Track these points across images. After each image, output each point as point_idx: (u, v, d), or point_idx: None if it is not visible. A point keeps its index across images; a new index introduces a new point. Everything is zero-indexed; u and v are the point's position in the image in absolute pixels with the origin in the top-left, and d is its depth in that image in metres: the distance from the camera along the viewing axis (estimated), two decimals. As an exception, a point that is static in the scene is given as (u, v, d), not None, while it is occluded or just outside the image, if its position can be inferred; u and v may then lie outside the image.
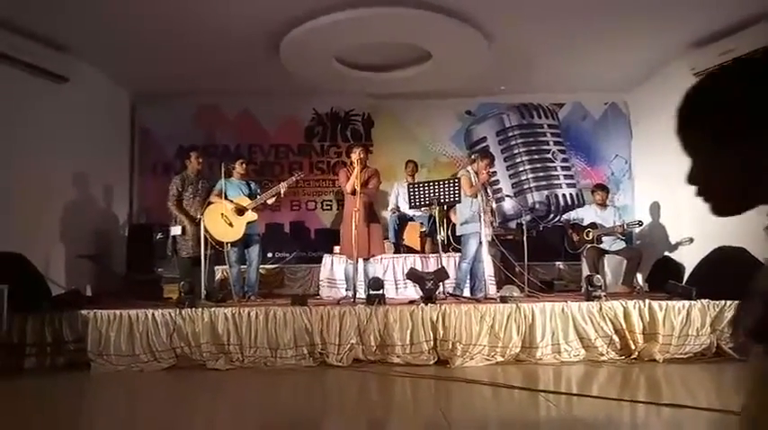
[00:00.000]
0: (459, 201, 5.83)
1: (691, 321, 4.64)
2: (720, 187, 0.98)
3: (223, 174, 5.71)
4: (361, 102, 8.27)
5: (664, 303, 4.71)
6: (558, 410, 3.41)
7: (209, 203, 5.71)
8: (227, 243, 5.63)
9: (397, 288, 6.43)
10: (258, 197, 5.73)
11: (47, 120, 6.11)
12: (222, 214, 5.62)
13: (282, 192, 5.69)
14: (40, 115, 6.05)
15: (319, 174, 8.38)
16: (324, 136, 8.47)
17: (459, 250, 6.72)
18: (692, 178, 0.99)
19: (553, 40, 6.46)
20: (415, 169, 7.43)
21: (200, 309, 4.70)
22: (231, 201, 5.70)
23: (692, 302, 4.69)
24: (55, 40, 6.05)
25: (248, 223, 5.66)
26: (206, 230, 5.53)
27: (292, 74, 7.09)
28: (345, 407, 3.69)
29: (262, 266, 7.23)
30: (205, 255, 5.65)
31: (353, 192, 5.43)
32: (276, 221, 8.22)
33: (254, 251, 5.87)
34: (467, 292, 5.84)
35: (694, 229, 6.55)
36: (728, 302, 4.68)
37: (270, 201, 5.75)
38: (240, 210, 5.67)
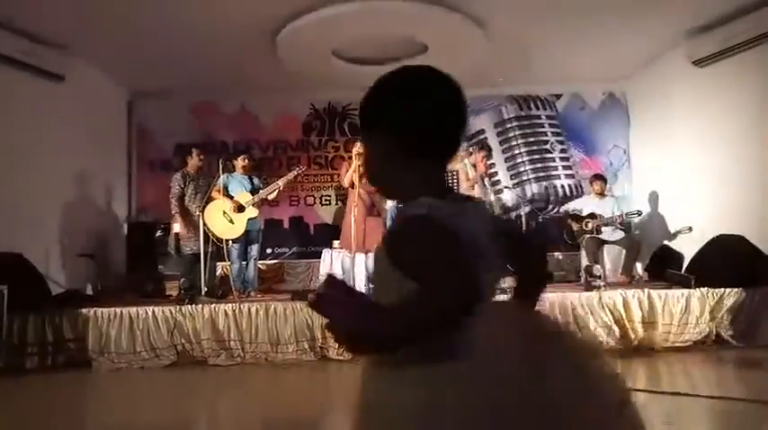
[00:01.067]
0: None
1: (690, 310, 4.66)
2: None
3: (220, 170, 5.68)
4: (358, 96, 8.06)
5: (663, 292, 4.73)
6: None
7: (210, 199, 5.71)
8: (227, 240, 5.64)
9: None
10: (263, 191, 5.74)
11: (43, 119, 6.10)
12: (224, 212, 5.62)
13: (282, 186, 5.72)
14: (37, 114, 6.03)
15: (317, 169, 8.37)
16: (322, 131, 8.45)
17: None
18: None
19: (550, 29, 6.42)
20: None
21: (200, 306, 4.71)
22: (231, 198, 5.69)
23: (691, 291, 4.71)
24: (50, 39, 6.02)
25: (249, 219, 5.66)
26: (206, 228, 5.54)
27: (289, 69, 7.07)
28: (347, 401, 3.69)
29: (261, 262, 7.25)
30: (206, 251, 5.68)
31: (352, 186, 5.44)
32: (275, 217, 8.22)
33: (254, 247, 5.88)
34: None
35: (693, 218, 6.54)
36: (728, 290, 4.70)
37: (271, 197, 5.75)
38: (240, 207, 5.67)
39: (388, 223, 7.21)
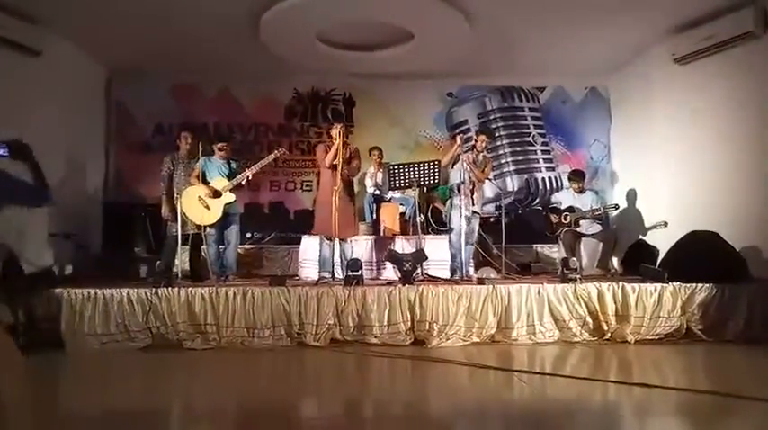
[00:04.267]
0: (440, 184, 5.83)
1: (662, 303, 4.74)
2: None
3: (200, 154, 5.62)
4: (342, 81, 8.18)
5: (636, 286, 4.81)
6: (531, 390, 3.48)
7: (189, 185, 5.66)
8: (204, 226, 5.59)
9: (380, 269, 6.44)
10: (235, 179, 5.65)
11: (19, 94, 5.94)
12: (199, 197, 5.55)
13: (261, 168, 5.67)
14: (12, 89, 5.87)
15: (299, 154, 8.31)
16: (304, 116, 8.39)
17: (439, 232, 6.77)
18: None
19: (535, 22, 6.43)
20: (381, 156, 7.39)
21: (176, 289, 4.67)
22: (208, 184, 5.61)
23: (664, 285, 4.78)
24: (26, 13, 5.87)
25: (226, 204, 5.60)
26: (183, 214, 5.50)
27: (272, 52, 6.98)
28: (323, 387, 3.71)
29: (240, 247, 7.19)
30: (186, 235, 5.65)
31: (333, 167, 5.39)
32: (256, 201, 8.17)
33: (232, 231, 5.80)
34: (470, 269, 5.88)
35: (670, 214, 6.65)
36: (699, 285, 4.79)
37: (250, 175, 5.67)
38: (217, 193, 5.60)
39: (367, 209, 7.24)
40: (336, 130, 5.42)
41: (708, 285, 4.79)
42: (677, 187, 6.75)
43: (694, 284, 4.80)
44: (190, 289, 4.71)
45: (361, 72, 7.75)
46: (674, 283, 4.82)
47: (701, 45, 6.21)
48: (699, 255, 5.03)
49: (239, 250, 6.45)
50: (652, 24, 6.48)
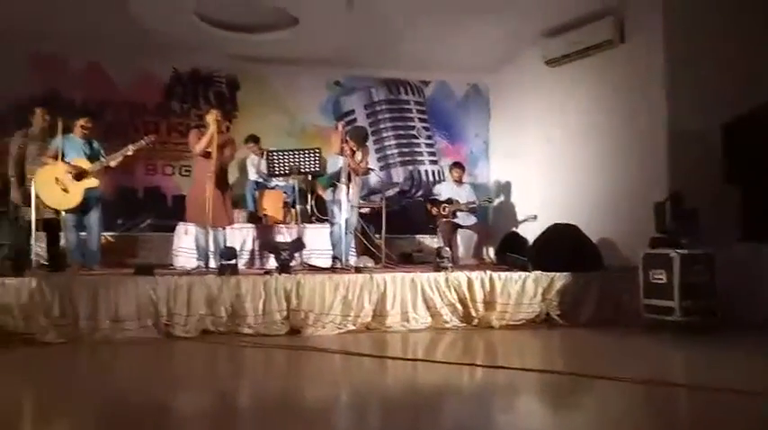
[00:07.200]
0: (321, 172, 5.80)
1: (525, 291, 5.06)
2: None
3: (60, 131, 5.13)
4: (226, 63, 7.87)
5: (503, 274, 5.10)
6: (404, 376, 3.58)
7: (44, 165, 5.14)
8: (61, 210, 5.13)
9: (261, 259, 6.31)
10: (101, 160, 5.24)
11: None
12: (57, 178, 5.06)
13: (130, 154, 5.29)
14: None
15: (178, 137, 7.88)
16: (184, 97, 7.97)
17: (322, 220, 6.74)
18: None
19: (419, 15, 6.56)
20: (258, 145, 7.23)
21: (27, 279, 4.27)
22: (69, 164, 5.13)
23: (527, 274, 5.11)
24: None
25: (87, 189, 5.16)
26: (36, 196, 4.97)
27: (142, 26, 6.53)
28: (193, 380, 3.57)
29: (110, 234, 6.72)
30: (44, 219, 5.17)
31: (206, 155, 5.18)
32: (129, 185, 7.66)
33: (93, 216, 5.34)
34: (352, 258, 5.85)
35: (540, 207, 7.10)
36: (558, 274, 5.16)
37: (113, 164, 5.28)
38: (78, 175, 5.12)
39: (248, 197, 7.06)
40: (212, 117, 5.22)
41: (566, 274, 5.18)
42: (546, 182, 7.22)
43: (554, 273, 5.16)
44: (44, 279, 4.33)
45: (245, 55, 7.50)
46: (536, 272, 5.16)
47: (569, 50, 6.66)
48: (559, 246, 5.42)
49: (108, 238, 6.03)
50: (525, 27, 6.86)
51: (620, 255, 5.96)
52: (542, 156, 7.31)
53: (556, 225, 5.72)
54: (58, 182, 5.05)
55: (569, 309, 5.12)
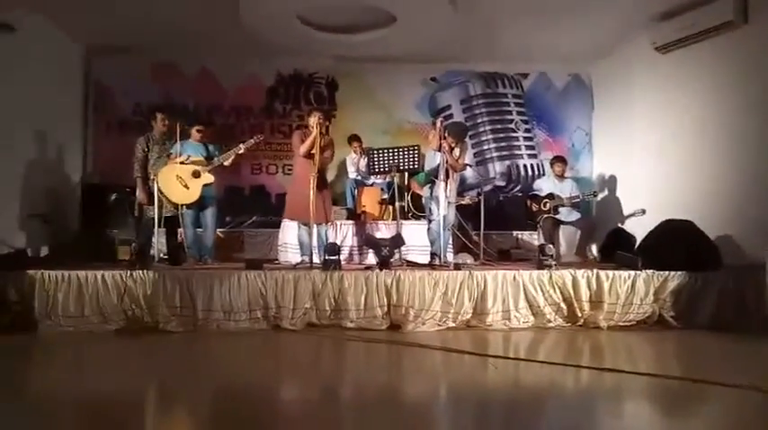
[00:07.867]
0: (419, 169, 5.82)
1: (635, 290, 4.79)
2: None
3: (178, 136, 5.56)
4: (325, 64, 8.11)
5: (611, 273, 4.85)
6: (505, 375, 3.51)
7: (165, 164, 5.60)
8: (181, 205, 5.55)
9: (360, 254, 6.45)
10: (215, 159, 5.62)
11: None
12: (178, 176, 5.50)
13: (241, 153, 5.63)
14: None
15: (281, 137, 8.25)
16: (286, 98, 8.31)
17: (418, 217, 6.76)
18: None
19: (519, 8, 6.41)
20: (361, 145, 7.37)
21: (151, 272, 4.63)
22: (188, 163, 5.55)
23: (638, 272, 4.84)
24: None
25: (204, 185, 5.56)
26: (160, 192, 5.44)
27: (251, 31, 6.88)
28: (298, 370, 3.72)
29: (220, 230, 7.14)
30: (164, 217, 5.59)
31: (309, 156, 5.35)
32: (236, 185, 8.11)
33: (209, 214, 5.78)
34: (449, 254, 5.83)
35: (648, 202, 6.71)
36: (671, 273, 4.84)
37: (227, 163, 5.65)
38: (196, 173, 5.55)
39: (347, 194, 7.23)
40: (315, 119, 5.37)
41: (680, 273, 4.84)
42: (656, 175, 6.80)
43: (667, 272, 4.85)
44: (166, 271, 4.67)
45: (343, 55, 7.68)
46: (648, 271, 4.87)
47: (682, 34, 6.23)
48: (673, 243, 5.08)
49: (219, 234, 6.42)
50: (634, 13, 6.49)
51: (741, 253, 5.50)
52: (652, 148, 6.89)
53: (669, 221, 5.36)
54: (179, 179, 5.49)
55: (685, 311, 4.79)
